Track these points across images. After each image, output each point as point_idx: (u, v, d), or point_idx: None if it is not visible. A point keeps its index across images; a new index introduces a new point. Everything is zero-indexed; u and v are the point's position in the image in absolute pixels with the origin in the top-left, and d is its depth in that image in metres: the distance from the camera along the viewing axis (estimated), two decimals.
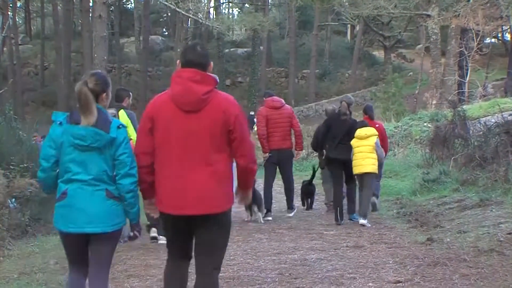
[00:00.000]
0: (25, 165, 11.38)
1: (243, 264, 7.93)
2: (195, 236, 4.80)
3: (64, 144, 4.80)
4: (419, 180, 14.90)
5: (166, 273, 5.01)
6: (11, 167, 11.18)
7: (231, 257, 8.23)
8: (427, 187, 14.19)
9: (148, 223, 9.44)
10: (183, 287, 4.95)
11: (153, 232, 9.52)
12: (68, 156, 4.80)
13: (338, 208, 11.30)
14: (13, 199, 10.79)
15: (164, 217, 4.87)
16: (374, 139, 11.31)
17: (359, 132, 11.27)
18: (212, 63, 4.88)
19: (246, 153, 4.80)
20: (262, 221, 11.45)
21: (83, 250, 4.93)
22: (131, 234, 5.18)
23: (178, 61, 4.90)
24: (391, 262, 7.74)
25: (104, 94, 4.95)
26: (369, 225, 10.83)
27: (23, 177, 11.13)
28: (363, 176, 11.30)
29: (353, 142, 11.30)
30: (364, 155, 11.21)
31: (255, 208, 11.53)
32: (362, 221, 10.93)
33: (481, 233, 8.83)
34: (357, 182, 11.67)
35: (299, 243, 9.34)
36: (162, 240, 8.75)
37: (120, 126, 4.90)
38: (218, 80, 4.82)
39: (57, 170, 4.90)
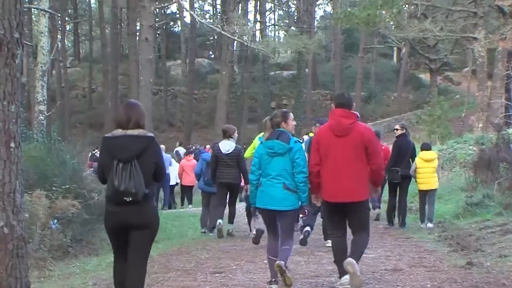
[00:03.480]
0: (67, 186, 11.51)
1: None
2: (347, 216, 7.45)
3: (263, 154, 7.59)
4: (462, 203, 14.79)
5: (333, 243, 7.72)
6: (54, 188, 11.32)
7: (268, 280, 8.25)
8: (470, 210, 14.07)
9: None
10: (345, 248, 7.50)
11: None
12: (265, 161, 7.55)
13: (393, 215, 14.19)
14: (55, 220, 10.95)
15: (326, 204, 7.55)
16: (437, 162, 14.33)
17: (426, 155, 13.86)
18: (354, 104, 7.61)
19: (377, 162, 7.40)
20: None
21: (274, 221, 7.59)
22: (305, 211, 7.76)
23: (332, 104, 7.63)
24: (429, 285, 7.67)
25: (283, 123, 7.64)
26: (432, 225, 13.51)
27: (65, 198, 11.24)
28: (429, 191, 13.89)
29: (419, 163, 13.78)
30: (430, 174, 13.86)
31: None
32: (429, 225, 13.55)
33: None
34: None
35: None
36: None
37: (297, 141, 7.54)
38: (359, 115, 7.53)
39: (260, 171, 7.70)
